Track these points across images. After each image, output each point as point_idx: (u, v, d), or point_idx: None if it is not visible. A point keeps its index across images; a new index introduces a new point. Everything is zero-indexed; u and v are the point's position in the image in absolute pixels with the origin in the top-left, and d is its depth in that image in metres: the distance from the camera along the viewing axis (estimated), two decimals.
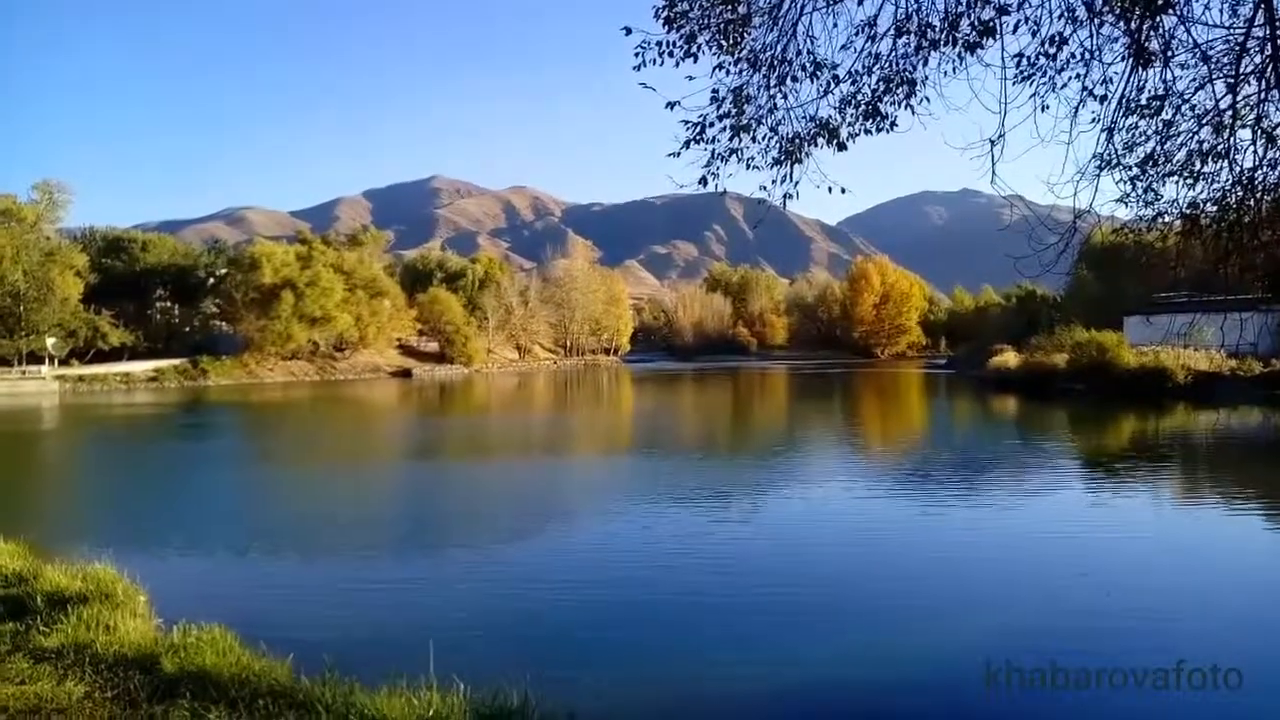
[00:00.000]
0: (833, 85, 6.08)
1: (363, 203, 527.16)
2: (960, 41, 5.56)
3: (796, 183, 6.33)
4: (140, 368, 75.90)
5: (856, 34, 5.95)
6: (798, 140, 6.29)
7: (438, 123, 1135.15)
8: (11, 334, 69.55)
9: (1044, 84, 5.43)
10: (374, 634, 9.79)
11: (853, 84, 6.06)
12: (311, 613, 10.79)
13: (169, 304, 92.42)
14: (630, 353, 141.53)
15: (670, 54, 5.95)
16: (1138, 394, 43.95)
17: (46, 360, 70.51)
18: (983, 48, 5.53)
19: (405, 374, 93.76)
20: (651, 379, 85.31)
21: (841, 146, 6.25)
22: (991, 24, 5.40)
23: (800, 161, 6.33)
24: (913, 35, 5.73)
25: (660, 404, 56.93)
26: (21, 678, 6.78)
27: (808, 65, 6.07)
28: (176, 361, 78.97)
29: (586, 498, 20.74)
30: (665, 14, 5.92)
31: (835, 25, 6.00)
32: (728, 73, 6.14)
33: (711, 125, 6.16)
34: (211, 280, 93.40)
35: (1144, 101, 5.24)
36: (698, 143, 6.18)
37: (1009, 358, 60.05)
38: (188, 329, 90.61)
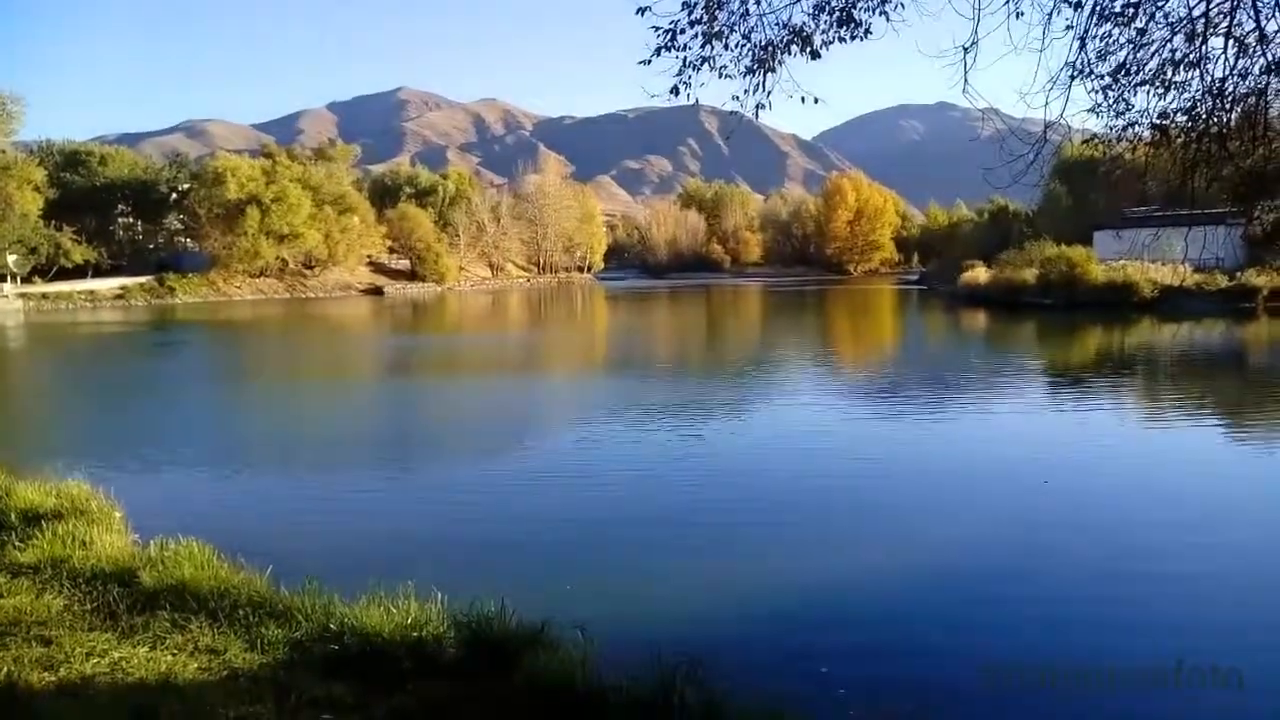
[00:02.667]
0: None
1: (328, 115, 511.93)
2: None
3: (769, 92, 6.21)
4: (105, 285, 74.58)
5: None
6: (771, 48, 6.14)
7: (404, 33, 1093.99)
8: None
9: None
10: (352, 547, 9.94)
11: None
12: (290, 527, 10.93)
13: (131, 220, 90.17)
14: (604, 270, 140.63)
15: None
16: (1105, 308, 44.62)
17: (8, 278, 68.95)
18: None
19: (376, 292, 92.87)
20: (625, 297, 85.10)
21: (815, 54, 6.11)
22: None
23: (774, 70, 6.20)
24: None
25: (633, 322, 56.97)
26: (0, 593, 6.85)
27: None
28: (142, 279, 77.63)
29: (559, 415, 20.90)
30: None
31: None
32: None
33: (683, 32, 5.98)
34: (174, 195, 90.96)
35: (1118, 8, 5.17)
36: (668, 50, 6.01)
37: (979, 273, 60.41)
38: (151, 246, 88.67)
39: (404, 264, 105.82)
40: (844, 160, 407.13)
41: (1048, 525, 10.90)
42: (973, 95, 5.60)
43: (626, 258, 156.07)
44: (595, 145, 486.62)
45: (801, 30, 6.06)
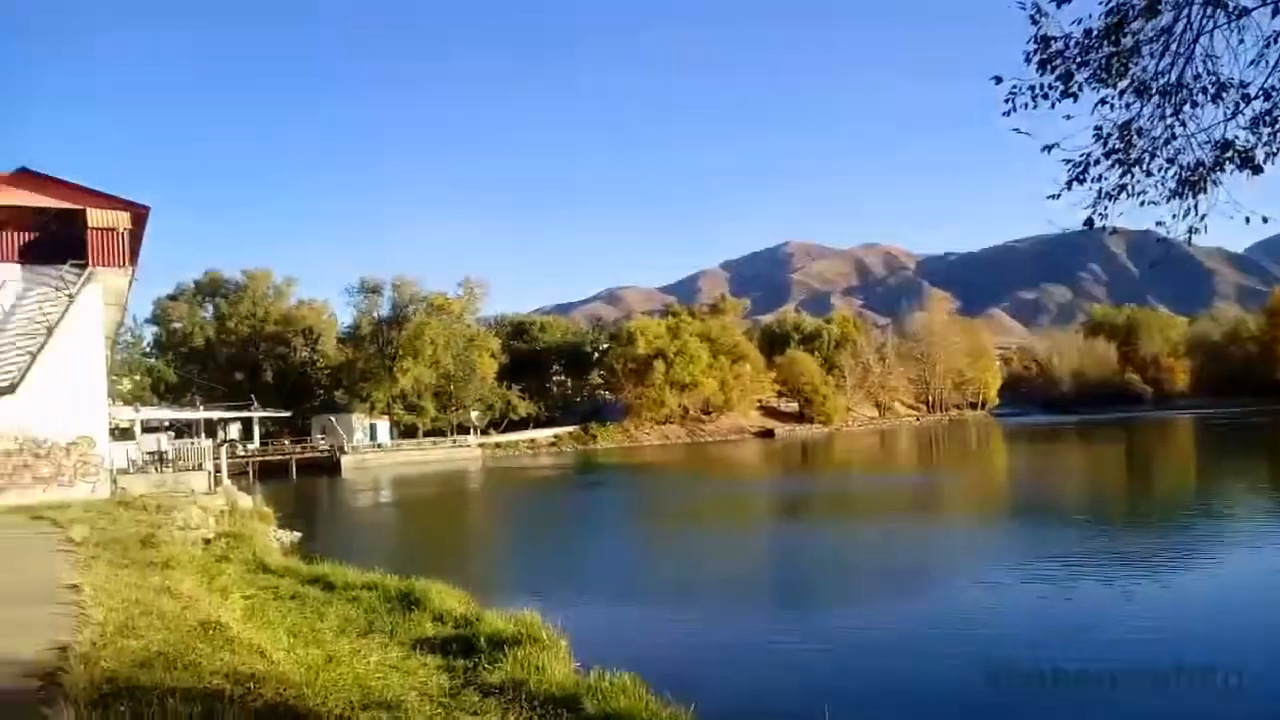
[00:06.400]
0: (1242, 105, 5.43)
1: (720, 273, 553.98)
2: None
3: (1203, 216, 5.71)
4: (542, 434, 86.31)
5: (1267, 46, 5.29)
6: (1200, 168, 5.69)
7: (788, 195, 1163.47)
8: (444, 409, 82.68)
9: None
10: (764, 690, 10.11)
11: (1267, 99, 5.38)
12: (708, 663, 11.44)
13: (563, 377, 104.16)
14: (999, 407, 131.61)
15: (1045, 96, 5.73)
16: None
17: (472, 430, 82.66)
18: None
19: (768, 434, 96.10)
20: (1026, 434, 78.37)
21: (1257, 170, 5.53)
22: None
23: (1204, 191, 5.71)
24: None
25: (1039, 462, 51.98)
26: (474, 709, 8.00)
27: (1209, 87, 5.50)
28: (570, 428, 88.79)
29: (963, 561, 19.53)
30: (1038, 57, 5.73)
31: (1241, 41, 5.38)
32: (1112, 107, 5.76)
33: (1096, 163, 5.80)
34: (596, 354, 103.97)
35: None
36: (1080, 182, 5.84)
37: None
38: (578, 399, 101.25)
39: (793, 406, 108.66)
40: None
41: None
42: None
43: (1024, 392, 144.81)
44: (983, 278, 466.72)
45: (1237, 146, 5.55)
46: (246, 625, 9.91)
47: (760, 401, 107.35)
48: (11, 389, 23.77)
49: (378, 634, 10.66)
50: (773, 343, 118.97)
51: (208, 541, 19.35)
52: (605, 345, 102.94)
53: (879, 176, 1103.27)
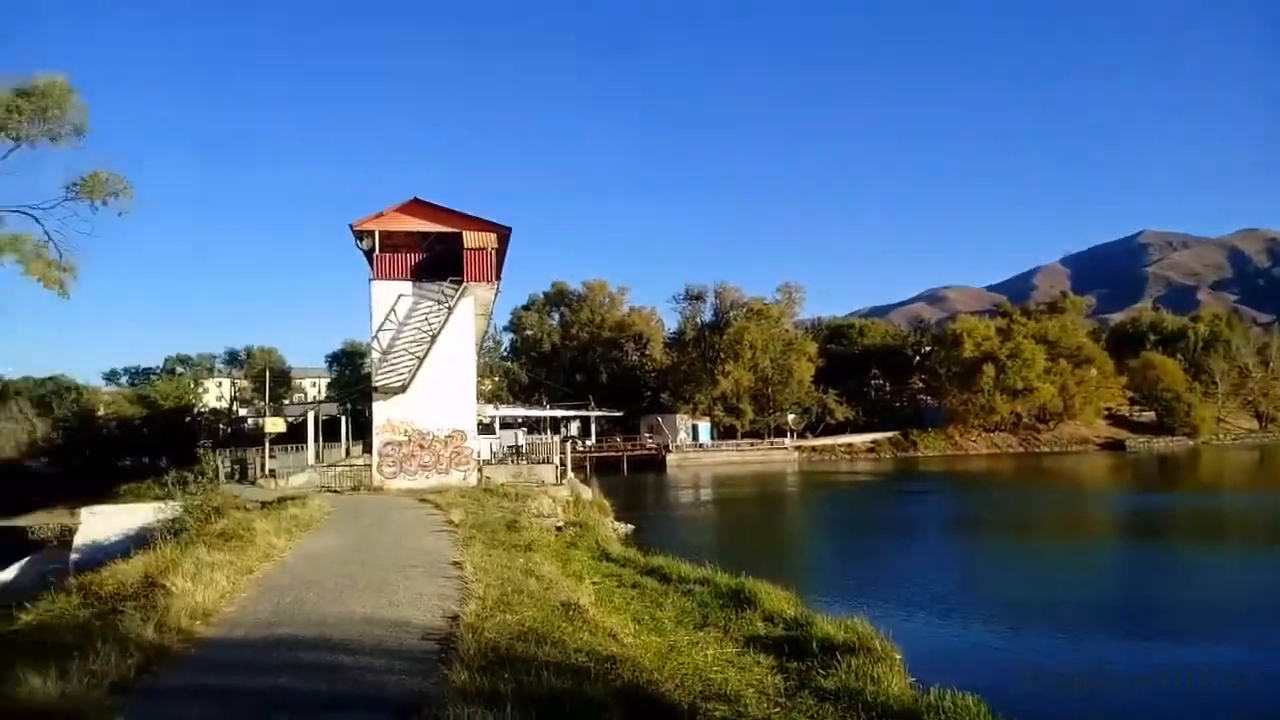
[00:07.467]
0: None
1: (1060, 270, 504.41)
2: None
3: None
4: (860, 439, 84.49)
5: None
6: None
7: (1145, 177, 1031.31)
8: (762, 411, 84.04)
9: None
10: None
11: None
12: (1059, 696, 10.60)
13: (881, 381, 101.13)
14: None
15: None
16: None
17: (788, 433, 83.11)
18: None
19: (1116, 446, 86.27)
20: None
21: None
22: None
23: None
24: None
25: None
26: (811, 713, 8.09)
27: None
28: (889, 434, 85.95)
29: None
30: None
31: None
32: None
33: None
34: (917, 358, 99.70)
35: None
36: None
37: None
38: (898, 404, 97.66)
39: (1148, 416, 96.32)
40: None
41: None
42: None
43: None
44: None
45: None
46: (598, 609, 10.86)
47: (1108, 410, 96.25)
48: (403, 388, 28.11)
49: (712, 628, 11.16)
50: (1123, 344, 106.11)
51: (559, 529, 21.40)
52: (927, 348, 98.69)
53: (1258, 150, 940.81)
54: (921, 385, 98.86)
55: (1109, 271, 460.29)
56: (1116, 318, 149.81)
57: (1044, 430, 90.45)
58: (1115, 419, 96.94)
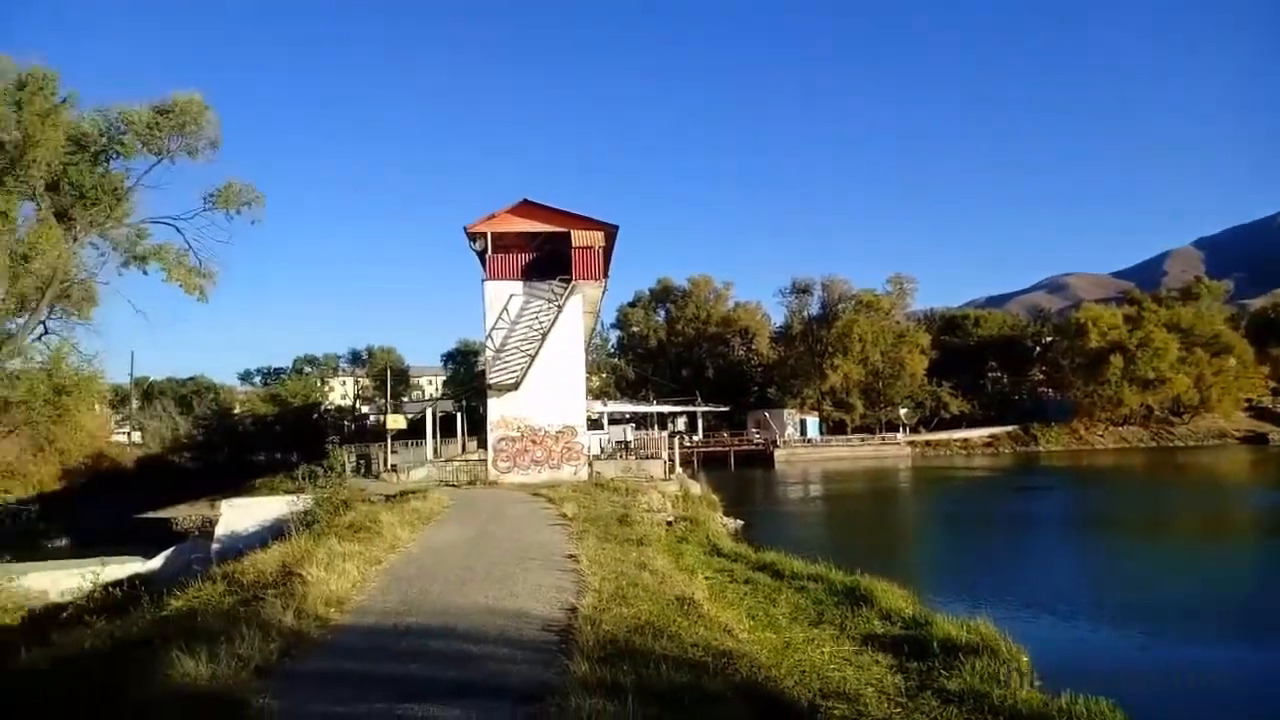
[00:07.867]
0: None
1: (1193, 253, 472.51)
2: None
3: None
4: (976, 434, 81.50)
5: None
6: None
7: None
8: (873, 405, 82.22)
9: None
10: None
11: None
12: (1197, 701, 9.99)
13: (999, 374, 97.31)
14: None
15: None
16: None
17: (900, 427, 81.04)
18: None
19: (1259, 439, 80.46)
20: None
21: None
22: None
23: None
24: None
25: None
26: (934, 715, 7.89)
27: None
28: (1008, 428, 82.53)
29: None
30: None
31: None
32: None
33: None
34: (1037, 349, 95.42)
35: None
36: None
37: None
38: (1016, 397, 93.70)
39: None
40: None
41: None
42: None
43: None
44: None
45: None
46: (712, 604, 10.88)
47: (1249, 401, 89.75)
48: (515, 385, 28.80)
49: (827, 625, 11.04)
50: (1265, 332, 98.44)
51: (669, 524, 21.53)
52: (1048, 338, 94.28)
53: None
54: (1042, 377, 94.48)
55: (1247, 254, 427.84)
56: (1257, 303, 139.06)
57: (1178, 423, 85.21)
58: (1257, 411, 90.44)
